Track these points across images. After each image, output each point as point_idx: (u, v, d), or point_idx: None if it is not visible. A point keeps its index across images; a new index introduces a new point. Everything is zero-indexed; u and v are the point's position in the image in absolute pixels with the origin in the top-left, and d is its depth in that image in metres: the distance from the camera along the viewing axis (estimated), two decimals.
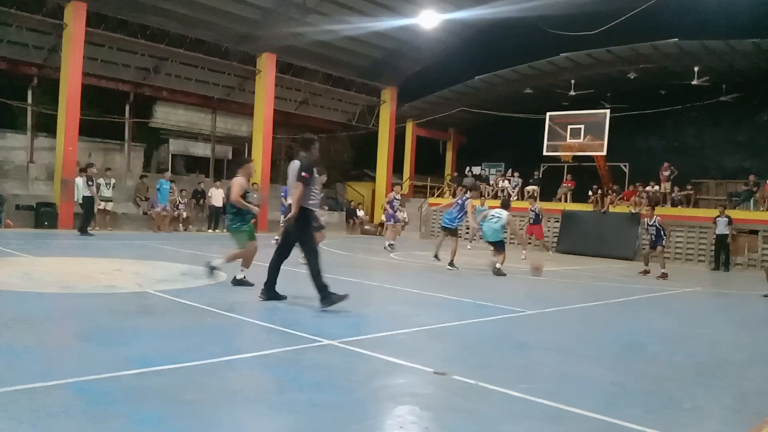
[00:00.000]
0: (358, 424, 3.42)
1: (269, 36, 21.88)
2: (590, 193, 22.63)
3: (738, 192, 21.09)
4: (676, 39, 19.79)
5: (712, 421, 3.93)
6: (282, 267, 7.24)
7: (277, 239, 15.72)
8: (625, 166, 23.82)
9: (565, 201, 23.37)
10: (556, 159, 23.45)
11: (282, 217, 16.88)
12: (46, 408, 3.20)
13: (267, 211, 22.70)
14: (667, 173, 21.91)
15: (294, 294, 7.74)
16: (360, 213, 27.30)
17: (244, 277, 8.24)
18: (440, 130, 30.61)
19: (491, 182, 26.59)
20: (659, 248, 14.27)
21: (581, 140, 22.17)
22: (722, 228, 17.52)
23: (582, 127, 22.24)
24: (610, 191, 22.40)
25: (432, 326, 6.41)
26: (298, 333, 5.52)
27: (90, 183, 16.25)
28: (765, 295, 10.97)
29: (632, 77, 22.36)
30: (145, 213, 20.05)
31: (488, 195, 23.57)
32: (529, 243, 18.52)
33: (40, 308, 6.23)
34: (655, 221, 14.28)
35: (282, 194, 14.59)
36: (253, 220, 8.60)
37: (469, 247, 19.75)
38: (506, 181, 25.76)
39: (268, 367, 4.53)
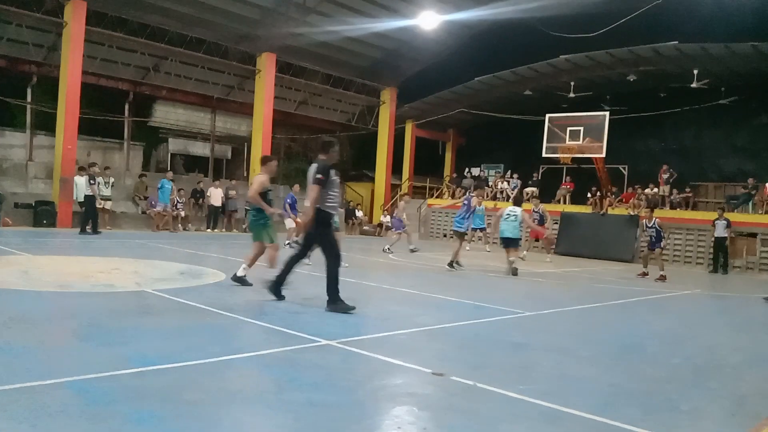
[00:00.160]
0: (357, 424, 3.43)
1: (269, 36, 21.89)
2: (589, 195, 22.65)
3: (737, 195, 21.11)
4: (676, 42, 19.80)
5: (710, 423, 3.94)
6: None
7: (289, 242, 15.82)
8: (624, 168, 23.84)
9: (564, 203, 23.39)
10: (556, 161, 23.47)
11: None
12: (45, 408, 3.20)
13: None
14: (666, 176, 21.93)
15: (293, 294, 7.75)
16: (359, 213, 27.31)
17: (245, 276, 8.22)
18: (440, 131, 30.62)
19: (490, 183, 26.60)
20: (658, 250, 14.29)
21: (580, 142, 22.18)
22: (721, 231, 17.54)
23: (581, 128, 22.24)
24: (609, 193, 22.41)
25: (431, 327, 6.42)
26: (297, 333, 5.52)
27: (92, 182, 16.23)
28: (766, 298, 10.98)
29: (632, 79, 22.37)
30: (143, 212, 20.04)
31: (487, 196, 23.56)
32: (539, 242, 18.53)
33: (38, 307, 6.23)
34: (654, 223, 14.28)
35: (287, 200, 14.60)
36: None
37: (467, 248, 19.68)
38: (505, 183, 25.79)
39: (267, 367, 4.53)
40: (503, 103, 26.40)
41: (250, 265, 8.31)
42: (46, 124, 19.88)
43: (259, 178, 8.12)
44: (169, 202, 19.21)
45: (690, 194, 21.68)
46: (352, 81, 26.76)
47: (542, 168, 25.08)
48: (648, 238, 14.58)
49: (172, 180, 19.47)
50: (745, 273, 18.26)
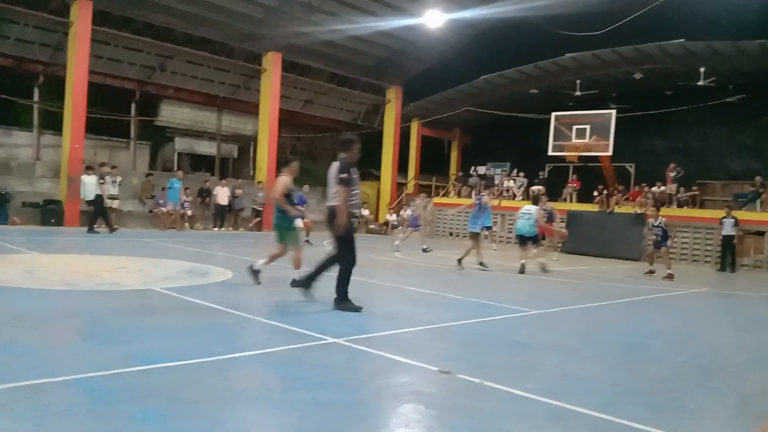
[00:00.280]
0: (363, 422, 3.44)
1: (274, 35, 21.92)
2: (595, 193, 22.59)
3: (744, 193, 21.01)
4: (683, 40, 19.72)
5: (715, 422, 3.93)
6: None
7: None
8: (630, 166, 23.77)
9: (570, 201, 23.34)
10: (562, 159, 23.41)
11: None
12: (49, 407, 3.21)
13: (272, 210, 22.72)
14: (673, 174, 21.84)
15: (301, 292, 7.77)
16: (365, 212, 27.32)
17: (260, 272, 8.21)
18: (445, 130, 30.59)
19: (496, 182, 26.56)
20: (664, 249, 14.23)
21: (587, 140, 22.12)
22: (728, 229, 17.47)
23: (587, 127, 22.18)
24: (615, 191, 22.34)
25: (436, 325, 6.42)
26: (302, 331, 5.53)
27: (101, 181, 16.27)
28: None
29: (638, 78, 22.29)
30: (150, 211, 20.11)
31: (492, 195, 23.52)
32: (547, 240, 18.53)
33: (43, 305, 6.26)
34: (660, 222, 14.22)
35: (296, 200, 14.63)
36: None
37: (494, 248, 19.53)
38: (511, 181, 25.75)
39: (273, 366, 4.54)
40: (509, 102, 26.37)
41: (268, 262, 8.35)
42: (52, 123, 19.98)
43: (282, 179, 8.13)
44: (178, 201, 19.30)
45: (697, 192, 21.59)
46: (358, 80, 26.76)
47: (548, 166, 25.03)
48: (654, 237, 14.53)
49: (181, 179, 19.57)
50: (753, 271, 18.18)
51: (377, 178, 29.18)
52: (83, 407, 3.29)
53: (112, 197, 17.96)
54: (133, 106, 22.78)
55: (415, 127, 29.33)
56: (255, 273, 8.20)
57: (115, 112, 21.89)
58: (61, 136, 18.57)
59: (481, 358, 5.20)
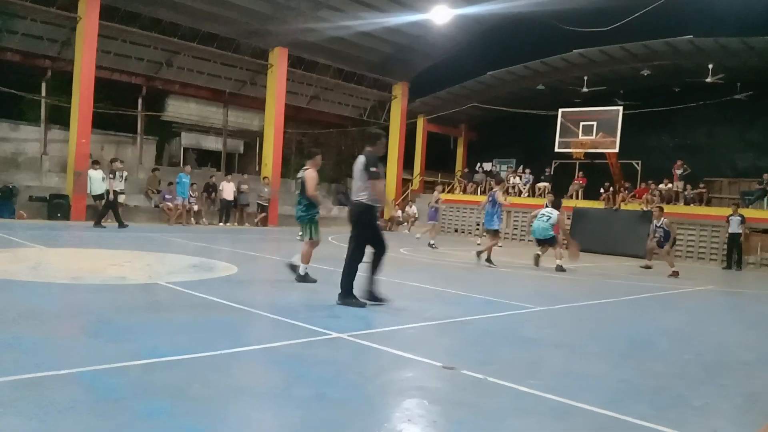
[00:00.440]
0: (367, 417, 3.43)
1: (281, 30, 21.90)
2: (602, 190, 22.53)
3: (751, 191, 20.92)
4: (691, 36, 19.63)
5: (721, 420, 3.91)
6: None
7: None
8: (637, 163, 23.69)
9: (577, 198, 23.28)
10: (568, 156, 23.36)
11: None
12: (54, 403, 3.20)
13: (277, 206, 22.78)
14: (679, 171, 21.76)
15: (303, 288, 7.79)
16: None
17: (298, 267, 8.23)
18: (451, 126, 30.55)
19: (502, 178, 26.50)
20: (666, 247, 14.25)
21: (593, 137, 22.06)
22: (735, 227, 17.39)
23: (594, 123, 22.11)
24: (621, 189, 22.28)
25: (441, 321, 6.41)
26: (307, 326, 5.53)
27: (112, 176, 16.27)
28: None
29: (645, 74, 22.21)
30: (156, 206, 20.16)
31: (504, 189, 23.48)
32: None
33: (49, 299, 6.28)
34: (662, 223, 14.22)
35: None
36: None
37: (478, 243, 19.72)
38: (517, 178, 25.70)
39: (277, 361, 4.54)
40: (515, 98, 26.31)
41: (304, 261, 8.36)
42: (60, 118, 20.04)
43: (311, 173, 8.13)
44: (186, 197, 19.36)
45: (704, 190, 21.50)
46: (364, 76, 26.74)
47: (554, 163, 24.98)
48: (657, 237, 14.52)
49: (189, 174, 19.63)
50: (759, 269, 18.10)
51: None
52: (87, 403, 3.28)
53: (119, 192, 18.00)
54: (139, 101, 22.81)
55: (421, 124, 29.31)
56: (293, 268, 8.21)
57: (121, 107, 21.93)
58: (68, 130, 18.63)
59: (486, 354, 5.19)
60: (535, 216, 13.49)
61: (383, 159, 7.21)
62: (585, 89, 23.50)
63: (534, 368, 4.82)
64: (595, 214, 21.48)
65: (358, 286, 6.77)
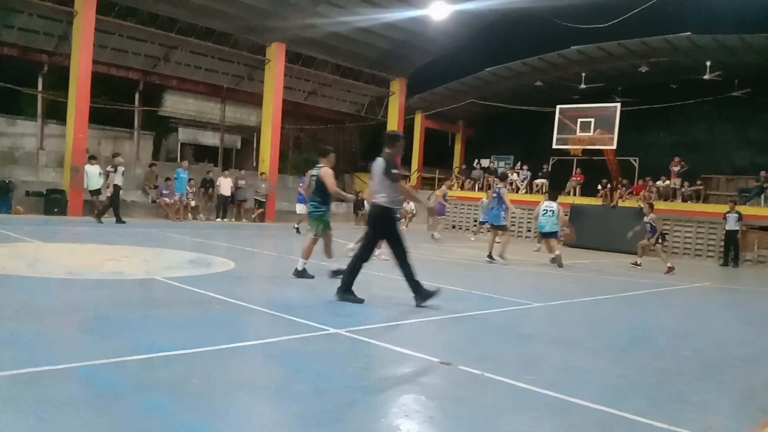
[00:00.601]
0: (364, 412, 3.43)
1: (279, 26, 21.84)
2: (599, 187, 22.53)
3: (748, 188, 20.95)
4: (689, 33, 19.62)
5: (719, 416, 3.91)
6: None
7: (297, 227, 16.24)
8: (634, 160, 23.69)
9: (574, 195, 23.28)
10: (566, 152, 23.34)
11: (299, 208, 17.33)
12: (52, 400, 3.18)
13: (275, 202, 22.76)
14: (677, 168, 21.78)
15: (303, 284, 7.78)
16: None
17: (338, 267, 8.15)
18: (449, 122, 30.53)
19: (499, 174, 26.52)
20: (659, 246, 14.42)
21: (591, 134, 22.04)
22: (732, 224, 17.41)
23: (592, 120, 22.10)
24: (619, 185, 22.28)
25: (439, 317, 6.41)
26: (305, 321, 5.53)
27: (113, 171, 16.19)
28: None
29: (643, 71, 22.19)
30: (153, 201, 20.12)
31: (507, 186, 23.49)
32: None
33: (46, 295, 6.27)
34: (649, 219, 14.39)
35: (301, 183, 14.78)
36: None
37: (473, 239, 19.79)
38: (515, 174, 25.69)
39: (275, 356, 4.54)
40: (513, 95, 26.29)
41: (330, 256, 8.41)
42: (56, 112, 19.97)
43: (327, 171, 8.13)
44: (184, 192, 19.33)
45: (701, 187, 21.51)
46: (362, 71, 26.70)
47: (552, 160, 24.96)
48: (648, 234, 14.69)
49: (187, 170, 19.56)
50: (756, 266, 18.14)
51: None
52: (85, 400, 3.27)
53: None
54: (137, 96, 22.76)
55: (418, 120, 29.29)
56: (335, 273, 7.99)
57: (119, 102, 21.88)
58: (65, 125, 18.56)
59: (483, 350, 5.19)
60: (539, 212, 13.79)
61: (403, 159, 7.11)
62: (583, 86, 23.48)
63: (531, 364, 4.83)
64: (593, 211, 21.49)
65: (359, 285, 6.77)
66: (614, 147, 21.81)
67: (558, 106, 23.06)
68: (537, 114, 24.68)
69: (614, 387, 4.32)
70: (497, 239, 13.43)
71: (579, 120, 22.37)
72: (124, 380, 3.63)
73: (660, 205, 20.60)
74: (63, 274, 7.39)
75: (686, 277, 13.06)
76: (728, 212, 17.56)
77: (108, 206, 16.22)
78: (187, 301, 6.29)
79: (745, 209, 18.49)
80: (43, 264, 8.21)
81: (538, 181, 24.42)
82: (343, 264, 8.06)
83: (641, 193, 21.30)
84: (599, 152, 22.56)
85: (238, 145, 28.07)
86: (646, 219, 14.48)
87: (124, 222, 16.04)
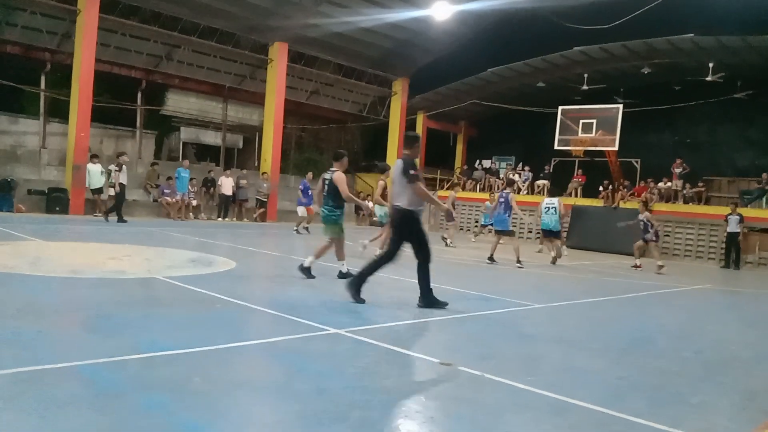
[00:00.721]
0: (364, 412, 3.44)
1: (281, 25, 21.85)
2: (601, 188, 22.53)
3: (750, 190, 20.94)
4: (692, 34, 19.60)
5: (719, 417, 3.92)
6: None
7: (296, 229, 16.34)
8: (636, 161, 23.69)
9: (576, 196, 23.29)
10: (567, 153, 23.35)
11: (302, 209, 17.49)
12: (54, 399, 3.19)
13: (276, 201, 22.77)
14: (678, 170, 21.77)
15: (304, 284, 7.79)
16: (369, 204, 27.27)
17: (348, 270, 8.20)
18: (451, 123, 30.52)
19: (501, 176, 26.50)
20: (653, 244, 14.54)
21: (593, 135, 22.05)
22: (734, 226, 17.41)
23: (594, 121, 22.10)
24: (621, 187, 22.28)
25: (439, 317, 6.41)
26: (306, 321, 5.53)
27: (118, 169, 16.21)
28: None
29: (646, 72, 22.18)
30: (155, 200, 20.14)
31: (498, 189, 23.48)
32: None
33: (48, 294, 6.27)
34: (643, 217, 14.52)
35: (300, 187, 14.83)
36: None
37: (473, 240, 19.80)
38: (517, 175, 25.69)
39: (276, 356, 4.55)
40: (515, 95, 26.28)
41: (342, 259, 8.41)
42: (59, 111, 19.98)
43: (341, 176, 8.15)
44: (186, 191, 19.35)
45: (703, 188, 21.51)
46: (364, 71, 26.70)
47: (554, 160, 24.97)
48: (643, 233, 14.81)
49: (188, 169, 19.56)
50: (758, 269, 18.13)
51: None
52: (87, 398, 3.28)
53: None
54: (139, 95, 22.76)
55: (420, 120, 29.27)
56: (344, 275, 8.10)
57: (121, 101, 21.89)
58: (67, 124, 18.59)
59: (484, 351, 5.20)
60: (542, 210, 14.02)
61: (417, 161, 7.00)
62: (585, 87, 23.47)
63: (532, 365, 4.83)
64: (594, 212, 21.50)
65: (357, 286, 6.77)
66: (616, 148, 21.81)
67: (560, 107, 23.07)
68: (539, 115, 24.68)
69: (614, 388, 4.33)
70: (501, 242, 13.41)
71: (581, 121, 22.37)
72: (126, 379, 3.64)
73: (661, 206, 20.63)
74: (65, 273, 7.41)
75: (687, 279, 13.06)
76: (730, 214, 17.57)
77: (119, 205, 16.25)
78: (188, 301, 6.30)
79: (747, 211, 18.49)
80: (44, 262, 8.23)
81: (540, 182, 24.41)
82: (348, 267, 8.10)
83: (642, 195, 21.30)
84: (601, 153, 22.56)
85: (240, 145, 28.07)
86: (640, 216, 14.59)
87: (125, 221, 16.06)
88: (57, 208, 17.29)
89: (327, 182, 8.26)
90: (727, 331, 7.49)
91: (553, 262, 13.82)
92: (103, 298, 6.08)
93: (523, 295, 8.64)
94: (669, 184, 21.75)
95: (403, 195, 6.61)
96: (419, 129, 29.33)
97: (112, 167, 16.64)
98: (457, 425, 3.39)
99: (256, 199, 21.87)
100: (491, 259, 12.74)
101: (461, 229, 24.84)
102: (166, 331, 4.89)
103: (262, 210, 21.84)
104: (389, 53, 26.04)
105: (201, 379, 3.71)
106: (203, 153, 27.26)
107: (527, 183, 25.01)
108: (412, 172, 6.52)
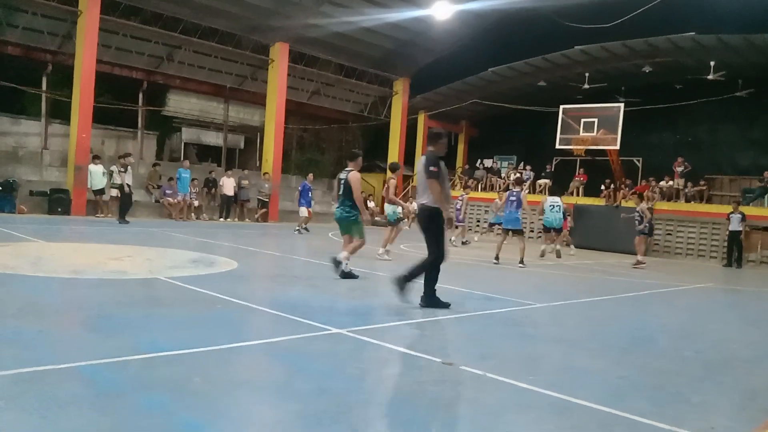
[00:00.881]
0: (365, 412, 3.44)
1: (282, 25, 21.87)
2: (602, 187, 22.52)
3: (752, 188, 20.91)
4: (693, 33, 19.57)
5: (720, 417, 3.91)
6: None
7: (298, 229, 16.41)
8: (638, 160, 23.67)
9: (577, 195, 23.27)
10: (569, 152, 23.33)
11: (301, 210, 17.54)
12: (55, 399, 3.19)
13: (278, 201, 22.78)
14: (680, 168, 21.75)
15: (305, 284, 7.79)
16: (371, 204, 27.29)
17: (351, 270, 8.22)
18: (452, 122, 30.50)
19: (503, 175, 26.51)
20: (643, 235, 14.89)
21: (594, 134, 22.03)
22: (735, 224, 17.40)
23: (595, 120, 22.08)
24: (622, 186, 22.27)
25: (440, 317, 6.41)
26: (307, 321, 5.53)
27: (123, 171, 16.22)
28: None
29: (647, 71, 22.15)
30: (157, 201, 20.17)
31: (500, 188, 23.50)
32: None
33: (49, 294, 6.28)
34: (639, 209, 14.99)
35: (300, 188, 14.94)
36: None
37: (476, 239, 19.81)
38: (518, 175, 25.67)
39: (277, 356, 4.55)
40: (516, 95, 26.26)
41: (353, 253, 8.43)
42: (60, 112, 20.02)
43: (356, 176, 8.15)
44: (187, 192, 19.37)
45: (704, 187, 21.49)
46: (365, 71, 26.71)
47: (555, 160, 24.95)
48: (641, 227, 15.00)
49: (189, 169, 19.58)
50: (759, 267, 18.11)
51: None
52: (88, 398, 3.28)
53: (119, 186, 17.97)
54: (140, 95, 22.79)
55: (421, 120, 29.26)
56: (338, 264, 8.12)
57: (122, 102, 21.91)
58: (68, 125, 18.63)
59: (485, 350, 5.19)
60: (545, 208, 14.78)
61: (445, 158, 6.92)
62: (586, 86, 23.45)
63: (533, 364, 4.83)
64: (596, 211, 21.48)
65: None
66: (617, 147, 21.80)
67: (561, 106, 23.05)
68: (540, 114, 24.66)
69: (615, 387, 4.32)
70: (505, 242, 13.38)
71: (582, 120, 22.35)
72: (126, 379, 3.64)
73: (663, 205, 20.63)
74: (66, 273, 7.41)
75: (689, 278, 13.05)
76: (731, 213, 17.56)
77: (129, 206, 16.27)
78: (189, 301, 6.30)
79: (749, 210, 18.48)
80: (46, 263, 8.24)
81: (541, 181, 24.40)
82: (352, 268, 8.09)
83: (645, 193, 21.29)
84: (602, 152, 22.54)
85: (242, 145, 28.09)
86: (636, 208, 14.92)
87: (127, 222, 16.08)
88: (59, 209, 17.32)
89: (342, 181, 8.24)
90: (728, 330, 7.48)
91: (558, 255, 14.78)
92: (104, 298, 6.09)
93: (525, 294, 8.63)
94: (670, 182, 21.73)
95: (426, 192, 6.52)
96: (420, 129, 29.35)
97: (115, 168, 16.64)
98: (459, 425, 3.39)
99: (258, 199, 21.89)
100: (497, 259, 12.72)
101: (470, 229, 24.82)
102: (167, 332, 4.89)
103: (263, 210, 21.86)
104: (390, 53, 26.04)
105: (201, 379, 3.71)
106: (205, 153, 27.29)
107: (529, 182, 24.99)
108: (431, 168, 6.41)
